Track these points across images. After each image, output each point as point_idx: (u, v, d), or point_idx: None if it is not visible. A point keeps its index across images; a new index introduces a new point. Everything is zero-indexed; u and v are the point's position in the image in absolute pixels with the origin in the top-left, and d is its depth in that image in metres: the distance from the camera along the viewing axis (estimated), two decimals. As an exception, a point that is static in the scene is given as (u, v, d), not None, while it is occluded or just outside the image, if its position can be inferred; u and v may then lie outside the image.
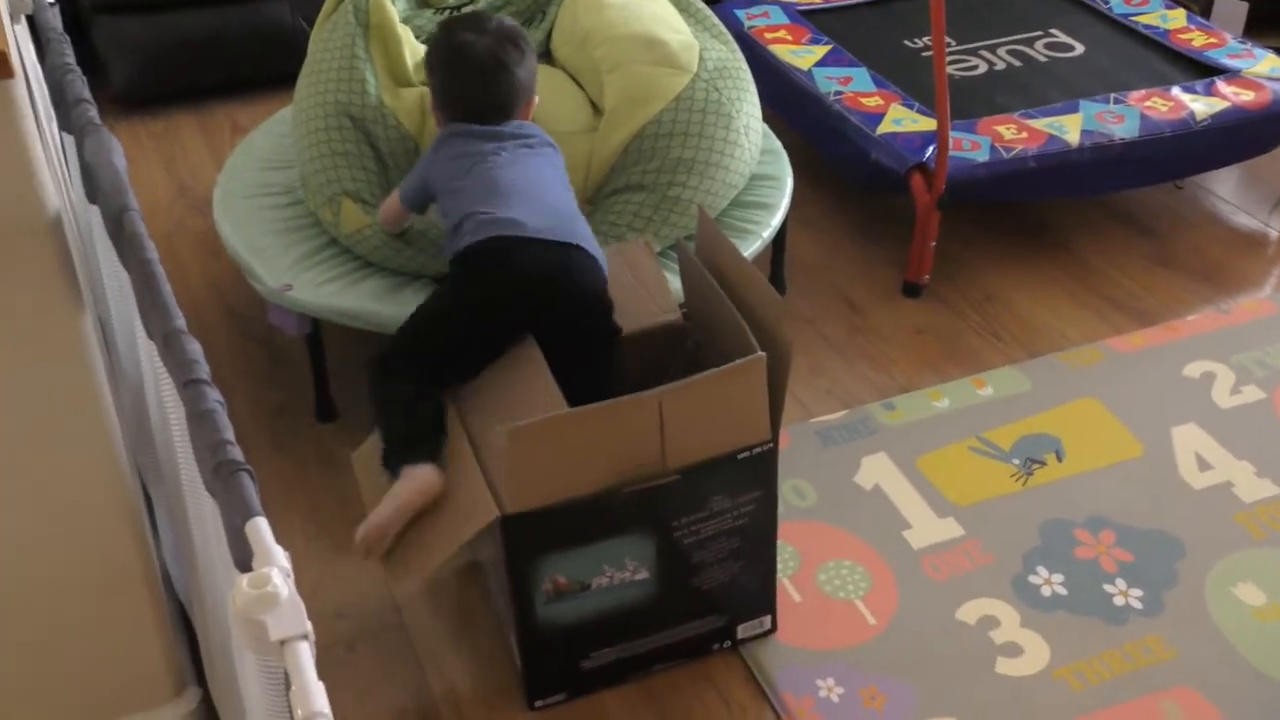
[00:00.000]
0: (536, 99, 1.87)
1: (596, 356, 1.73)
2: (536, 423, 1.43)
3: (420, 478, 1.57)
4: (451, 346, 1.67)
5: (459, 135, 1.79)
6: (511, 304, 1.65)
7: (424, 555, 1.54)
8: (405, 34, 2.17)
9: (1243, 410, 2.11)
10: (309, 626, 0.81)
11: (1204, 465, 2.00)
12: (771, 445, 1.56)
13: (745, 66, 2.27)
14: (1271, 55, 2.63)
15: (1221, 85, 2.51)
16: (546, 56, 2.36)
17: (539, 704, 1.65)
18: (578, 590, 1.56)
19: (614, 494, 1.51)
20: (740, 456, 1.55)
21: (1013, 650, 1.70)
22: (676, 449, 1.51)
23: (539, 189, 1.74)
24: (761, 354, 1.50)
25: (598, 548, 1.54)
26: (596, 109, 2.19)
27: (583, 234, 1.72)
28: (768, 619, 1.72)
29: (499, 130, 1.78)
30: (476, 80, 1.78)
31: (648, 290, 1.80)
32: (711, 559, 1.61)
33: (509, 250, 1.65)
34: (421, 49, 2.19)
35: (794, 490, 1.96)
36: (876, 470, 2.00)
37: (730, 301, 1.59)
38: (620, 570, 1.57)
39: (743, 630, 1.71)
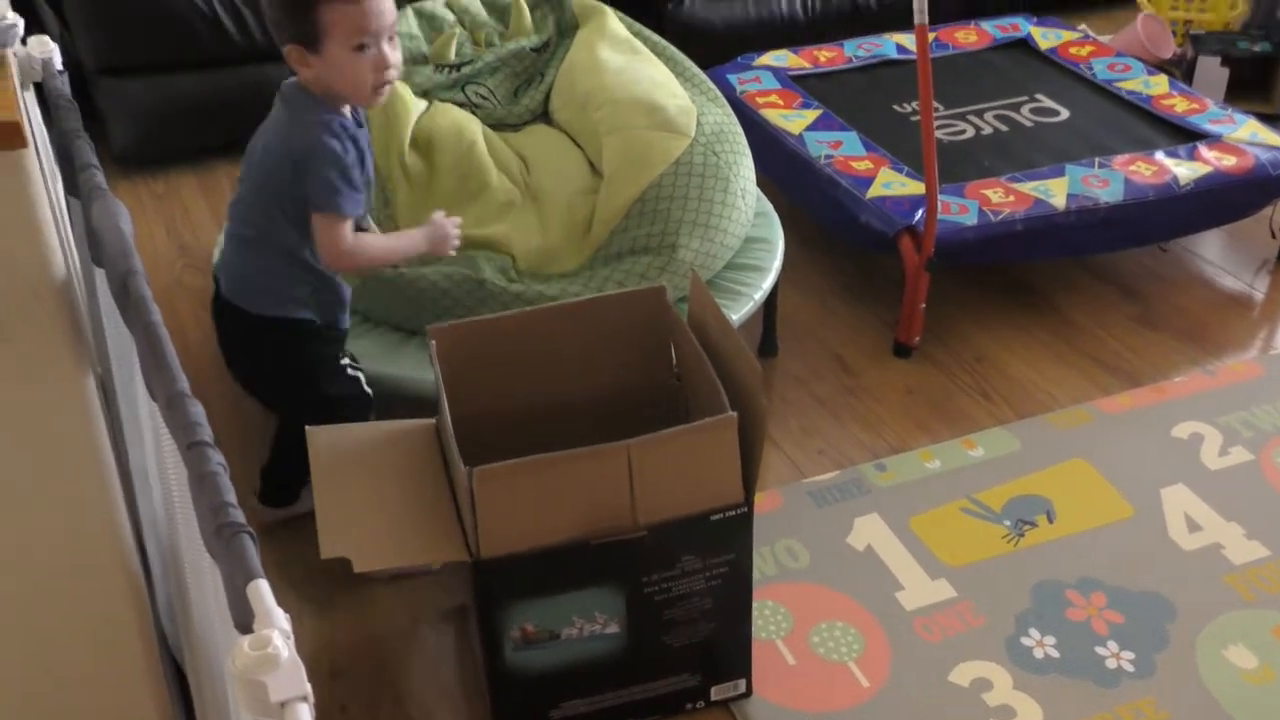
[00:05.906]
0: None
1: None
2: (504, 466, 1.45)
3: None
4: None
5: None
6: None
7: (374, 553, 1.55)
8: (404, 91, 2.21)
9: (1231, 471, 2.13)
10: (309, 688, 0.82)
11: (1194, 526, 2.02)
12: (745, 510, 1.58)
13: (740, 131, 2.31)
14: (1252, 120, 2.68)
15: (1204, 150, 2.56)
16: (545, 118, 2.40)
17: None
18: (546, 639, 1.57)
19: (584, 545, 1.52)
20: (713, 518, 1.56)
21: (1006, 713, 1.71)
22: (647, 504, 1.52)
23: None
24: (732, 414, 1.52)
25: (568, 598, 1.55)
26: (595, 169, 2.23)
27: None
28: (743, 682, 1.72)
29: None
30: None
31: (654, 347, 1.81)
32: (683, 617, 1.62)
33: None
34: (420, 105, 2.22)
35: (786, 551, 1.97)
36: (869, 531, 2.01)
37: (711, 365, 1.61)
38: (590, 622, 1.58)
39: (717, 692, 1.70)
